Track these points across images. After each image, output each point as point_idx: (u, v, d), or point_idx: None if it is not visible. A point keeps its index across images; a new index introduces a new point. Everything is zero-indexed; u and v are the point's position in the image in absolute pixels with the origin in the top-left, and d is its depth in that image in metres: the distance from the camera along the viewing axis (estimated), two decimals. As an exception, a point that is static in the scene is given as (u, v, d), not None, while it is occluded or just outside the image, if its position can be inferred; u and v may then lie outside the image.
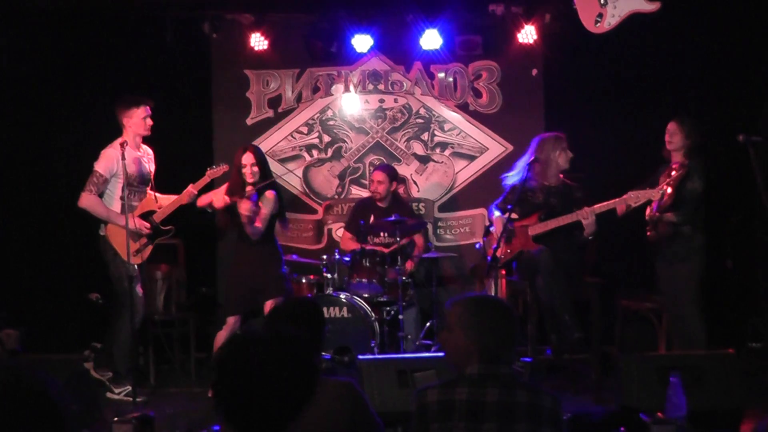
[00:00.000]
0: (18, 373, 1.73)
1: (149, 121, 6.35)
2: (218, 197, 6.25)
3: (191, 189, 6.38)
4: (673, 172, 5.93)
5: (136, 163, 6.29)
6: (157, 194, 6.48)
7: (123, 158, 6.01)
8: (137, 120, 6.30)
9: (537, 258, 5.94)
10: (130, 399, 5.94)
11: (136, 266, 6.25)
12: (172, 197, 6.44)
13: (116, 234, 6.22)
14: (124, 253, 6.14)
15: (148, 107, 6.35)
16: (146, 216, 6.32)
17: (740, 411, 4.73)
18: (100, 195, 6.24)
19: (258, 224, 6.22)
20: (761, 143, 5.77)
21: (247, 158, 6.26)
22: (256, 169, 6.25)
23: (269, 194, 6.33)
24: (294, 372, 2.07)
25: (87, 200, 6.21)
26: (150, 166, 6.43)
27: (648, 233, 6.00)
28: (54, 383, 1.74)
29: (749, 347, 6.90)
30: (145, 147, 6.42)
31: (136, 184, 6.28)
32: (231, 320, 6.30)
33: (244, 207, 6.13)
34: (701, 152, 6.03)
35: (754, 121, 6.96)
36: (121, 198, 6.15)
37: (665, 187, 5.88)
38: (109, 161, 6.20)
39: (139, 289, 6.24)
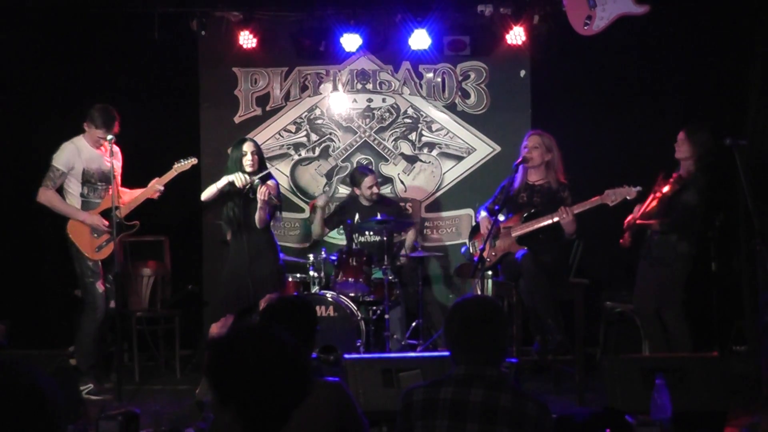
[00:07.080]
0: (7, 367, 1.72)
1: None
2: (238, 177, 6.19)
3: (156, 184, 6.40)
4: (667, 186, 5.92)
5: (96, 161, 6.28)
6: (126, 189, 6.45)
7: (112, 154, 6.02)
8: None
9: (519, 261, 5.94)
10: (92, 397, 5.98)
11: (99, 263, 6.24)
12: (139, 191, 6.42)
13: (76, 230, 6.23)
14: (85, 249, 6.19)
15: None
16: (109, 213, 6.14)
17: (723, 414, 4.75)
18: (61, 192, 6.26)
19: (267, 211, 6.21)
20: (747, 147, 5.78)
21: (248, 146, 6.28)
22: (256, 158, 6.27)
23: (272, 183, 6.33)
24: (286, 375, 2.07)
25: (44, 195, 6.23)
26: (114, 164, 6.19)
27: (621, 240, 5.99)
28: (43, 377, 1.74)
29: (733, 350, 6.93)
30: (113, 147, 6.17)
31: (93, 181, 6.28)
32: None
33: (263, 191, 6.09)
34: (708, 165, 5.93)
35: (740, 124, 6.99)
36: (81, 195, 6.25)
37: (653, 195, 5.88)
38: (66, 155, 6.22)
39: (100, 286, 6.21)
